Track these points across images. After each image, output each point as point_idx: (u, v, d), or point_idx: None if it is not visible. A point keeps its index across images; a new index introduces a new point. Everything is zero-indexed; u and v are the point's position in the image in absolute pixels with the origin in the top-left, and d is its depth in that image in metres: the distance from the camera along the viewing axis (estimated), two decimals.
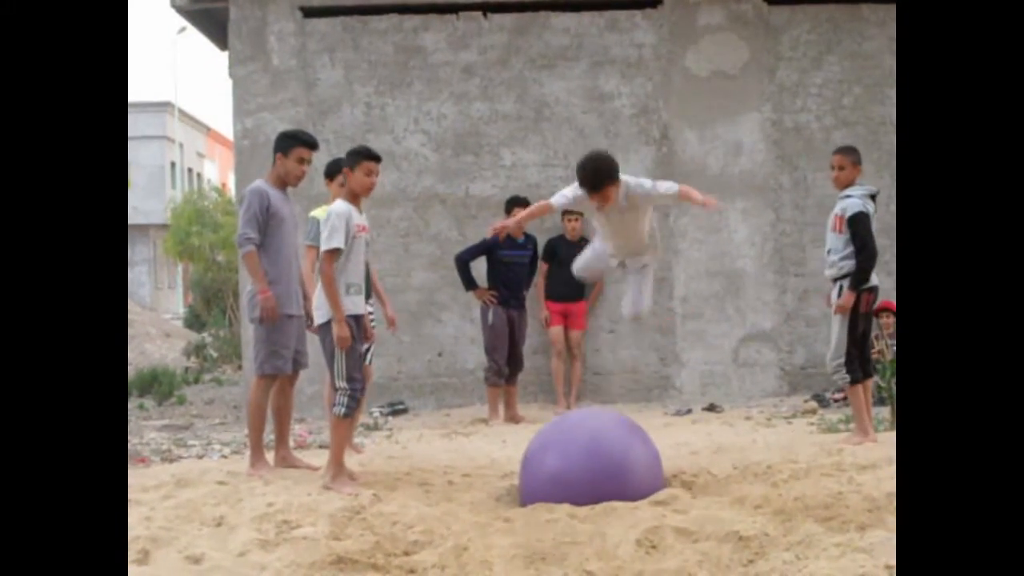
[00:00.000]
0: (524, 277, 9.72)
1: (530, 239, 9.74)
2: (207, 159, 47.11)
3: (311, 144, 6.63)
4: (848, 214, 7.14)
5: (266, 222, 6.44)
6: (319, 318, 6.14)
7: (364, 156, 6.10)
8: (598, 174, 5.90)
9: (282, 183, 6.60)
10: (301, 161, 6.53)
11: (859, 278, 7.12)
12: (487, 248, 9.55)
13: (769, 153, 10.60)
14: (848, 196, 7.22)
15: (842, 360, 7.18)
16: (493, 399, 9.49)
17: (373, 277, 7.64)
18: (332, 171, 7.40)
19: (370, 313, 6.97)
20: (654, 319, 10.55)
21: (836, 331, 7.23)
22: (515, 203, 9.55)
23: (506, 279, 9.53)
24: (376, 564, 4.47)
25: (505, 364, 9.46)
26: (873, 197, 7.31)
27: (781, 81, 10.61)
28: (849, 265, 7.15)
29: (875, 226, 7.29)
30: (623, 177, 5.98)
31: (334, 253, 5.93)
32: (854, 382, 7.19)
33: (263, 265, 6.44)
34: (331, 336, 5.98)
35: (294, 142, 6.57)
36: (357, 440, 7.86)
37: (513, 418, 9.39)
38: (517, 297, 9.61)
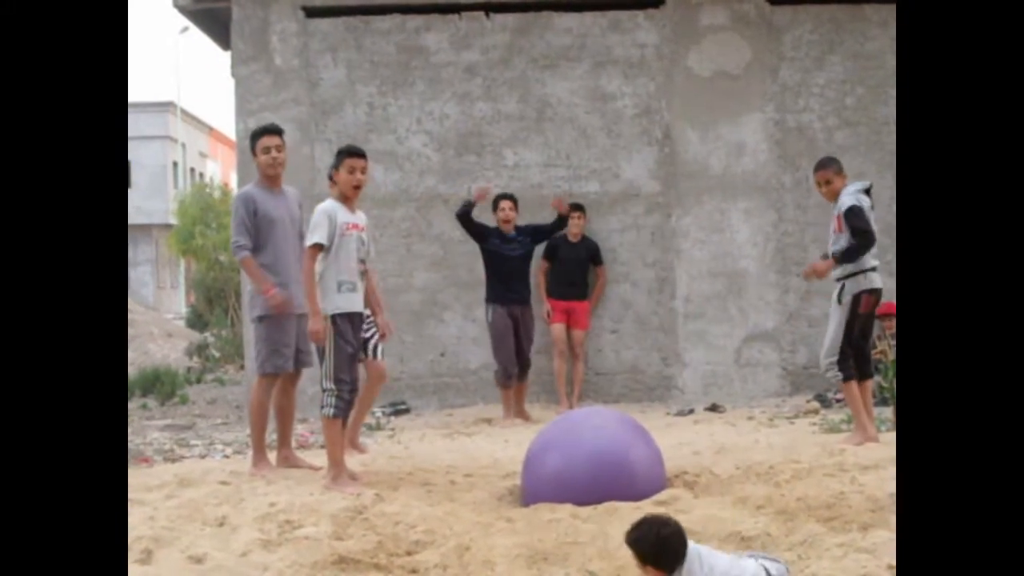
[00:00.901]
0: (519, 272, 9.59)
1: (523, 231, 9.66)
2: (209, 159, 47.13)
3: (271, 131, 6.69)
4: (843, 210, 7.19)
5: (255, 226, 6.46)
6: None
7: (346, 154, 6.17)
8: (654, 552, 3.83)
9: (268, 181, 6.62)
10: (267, 151, 6.58)
11: (848, 254, 7.12)
12: (481, 233, 9.57)
13: (771, 153, 10.59)
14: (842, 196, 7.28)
15: (835, 358, 7.19)
16: (505, 401, 9.42)
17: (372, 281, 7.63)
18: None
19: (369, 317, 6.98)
20: (656, 319, 10.56)
21: (832, 329, 7.25)
22: (503, 197, 9.63)
23: (499, 273, 9.49)
24: (378, 564, 4.48)
25: (513, 364, 9.37)
26: (868, 192, 7.33)
27: (784, 81, 10.61)
28: (852, 266, 7.16)
29: (876, 227, 7.31)
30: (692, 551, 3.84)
31: (314, 249, 6.00)
32: (846, 380, 7.20)
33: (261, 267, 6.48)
34: (325, 333, 5.99)
35: (253, 139, 6.66)
36: (361, 440, 7.85)
37: (520, 415, 9.35)
38: (515, 292, 9.51)
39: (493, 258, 9.53)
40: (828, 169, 7.33)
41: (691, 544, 3.81)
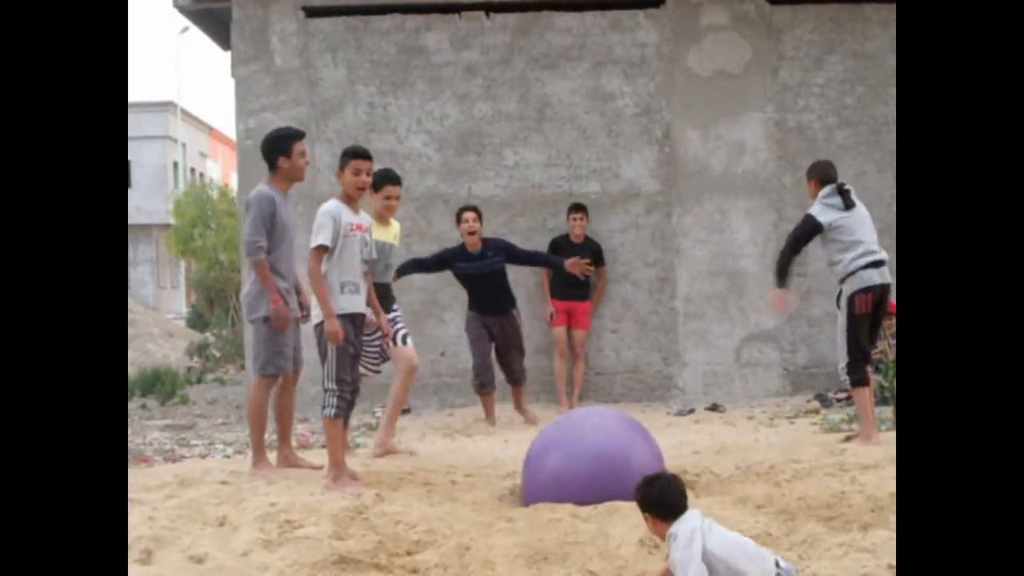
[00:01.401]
0: (493, 288, 9.09)
1: (493, 247, 9.08)
2: (210, 159, 47.15)
3: (304, 134, 6.74)
4: None
5: (272, 227, 6.47)
6: (316, 317, 6.17)
7: (351, 155, 6.17)
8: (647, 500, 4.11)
9: (288, 184, 6.63)
10: (303, 154, 6.60)
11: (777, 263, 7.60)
12: (443, 262, 9.13)
13: (772, 153, 10.59)
14: None
15: (844, 363, 7.22)
16: (484, 406, 9.21)
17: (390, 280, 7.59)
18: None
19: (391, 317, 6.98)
20: (656, 318, 10.56)
21: (837, 335, 7.33)
22: (465, 208, 9.10)
23: (472, 291, 9.16)
24: (379, 564, 4.48)
25: (484, 371, 9.04)
26: (841, 191, 7.31)
27: (784, 81, 10.61)
28: (837, 271, 7.26)
29: (877, 226, 7.38)
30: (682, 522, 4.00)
31: (319, 251, 5.99)
32: (854, 385, 7.21)
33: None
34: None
35: (291, 140, 6.60)
36: (395, 439, 7.76)
37: (526, 420, 9.16)
38: (488, 305, 9.11)
39: (463, 279, 9.16)
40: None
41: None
